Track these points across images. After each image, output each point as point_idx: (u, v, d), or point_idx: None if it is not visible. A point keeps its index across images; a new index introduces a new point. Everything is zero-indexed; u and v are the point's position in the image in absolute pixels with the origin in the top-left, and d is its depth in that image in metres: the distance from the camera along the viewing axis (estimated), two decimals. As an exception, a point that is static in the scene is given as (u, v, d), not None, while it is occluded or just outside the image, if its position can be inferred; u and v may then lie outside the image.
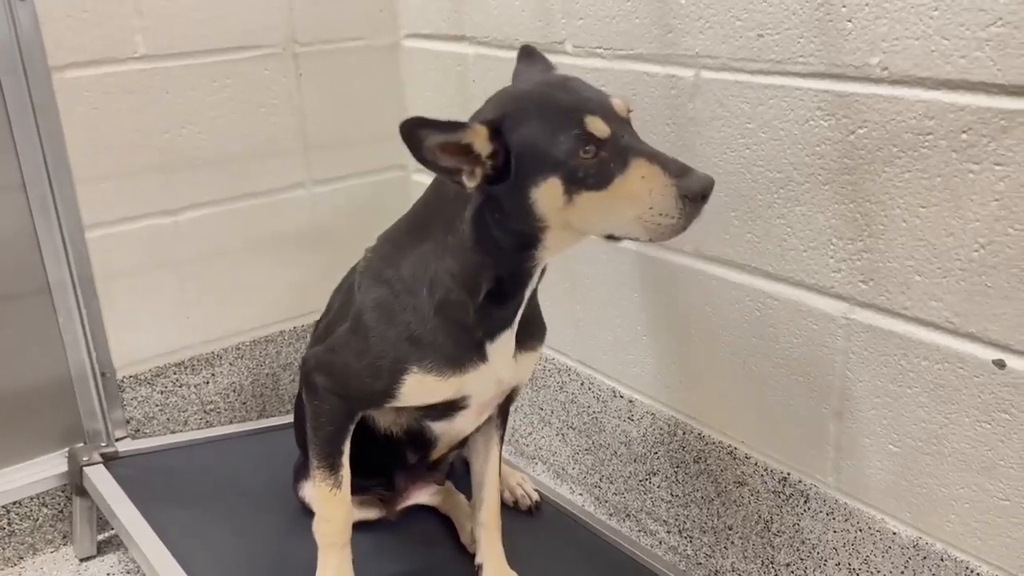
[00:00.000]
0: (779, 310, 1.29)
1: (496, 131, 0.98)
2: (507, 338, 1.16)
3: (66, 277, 1.63)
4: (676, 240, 1.40)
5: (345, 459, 1.23)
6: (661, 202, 0.95)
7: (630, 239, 1.00)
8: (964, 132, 1.02)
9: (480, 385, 1.18)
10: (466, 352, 1.14)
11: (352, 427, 1.22)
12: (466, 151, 0.98)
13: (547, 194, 0.98)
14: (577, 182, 0.97)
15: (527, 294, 1.15)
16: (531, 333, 1.22)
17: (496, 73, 1.67)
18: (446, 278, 1.10)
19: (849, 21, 1.10)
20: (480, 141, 0.98)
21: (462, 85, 1.77)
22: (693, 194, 0.94)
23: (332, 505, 1.24)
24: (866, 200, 1.14)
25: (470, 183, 1.00)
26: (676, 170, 0.95)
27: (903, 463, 1.19)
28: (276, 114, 1.80)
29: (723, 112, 1.27)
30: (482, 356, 1.15)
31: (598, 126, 0.96)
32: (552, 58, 1.51)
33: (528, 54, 1.21)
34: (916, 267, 1.10)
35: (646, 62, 1.37)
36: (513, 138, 0.99)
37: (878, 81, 1.08)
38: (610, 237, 1.01)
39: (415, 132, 0.95)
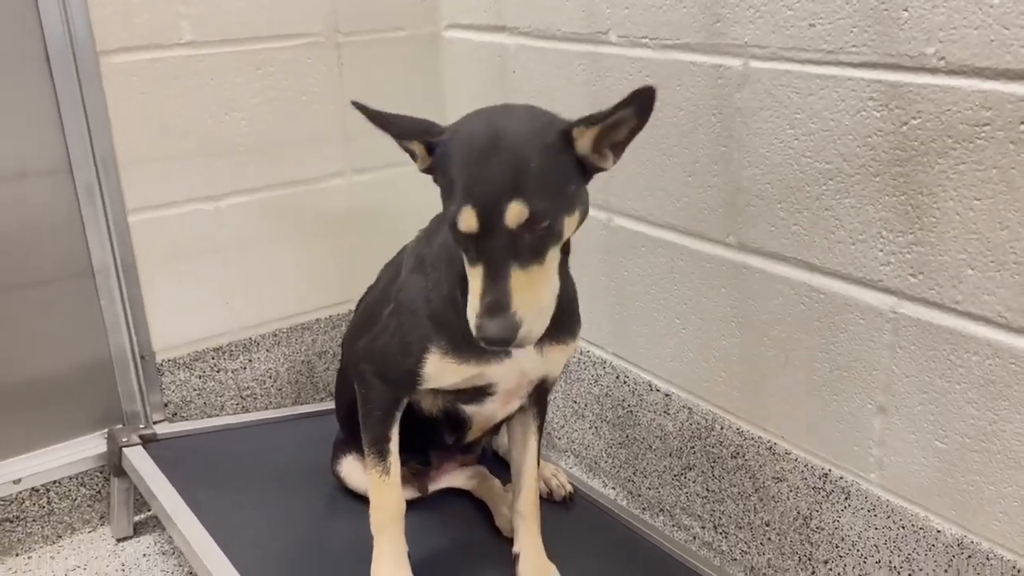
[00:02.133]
0: (825, 304, 1.27)
1: (431, 151, 1.03)
2: None
3: (109, 261, 1.65)
4: (718, 232, 1.41)
5: (394, 446, 1.25)
6: (470, 319, 0.98)
7: None
8: (1023, 123, 1.00)
9: (503, 374, 1.20)
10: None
11: (398, 414, 1.24)
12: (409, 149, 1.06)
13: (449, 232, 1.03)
14: (455, 240, 1.01)
15: None
16: (561, 327, 1.20)
17: (537, 64, 1.67)
18: (456, 265, 1.11)
19: (905, 10, 1.08)
20: (420, 151, 1.05)
21: (502, 76, 1.77)
22: (481, 339, 0.96)
23: (382, 492, 1.26)
24: (918, 192, 1.12)
25: (419, 165, 1.07)
26: (486, 307, 0.96)
27: (950, 460, 1.17)
28: (317, 103, 1.81)
29: (772, 102, 1.26)
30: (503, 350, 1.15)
31: (467, 221, 0.96)
32: (596, 48, 1.52)
33: None
34: (969, 260, 1.09)
35: (693, 52, 1.36)
36: (437, 168, 1.04)
37: (934, 71, 1.07)
38: None
39: (367, 115, 1.05)
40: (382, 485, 1.25)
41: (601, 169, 1.03)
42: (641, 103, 0.95)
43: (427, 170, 1.07)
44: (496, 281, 0.96)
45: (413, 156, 1.07)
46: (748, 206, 1.34)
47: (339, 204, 1.89)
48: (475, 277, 0.98)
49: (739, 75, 1.30)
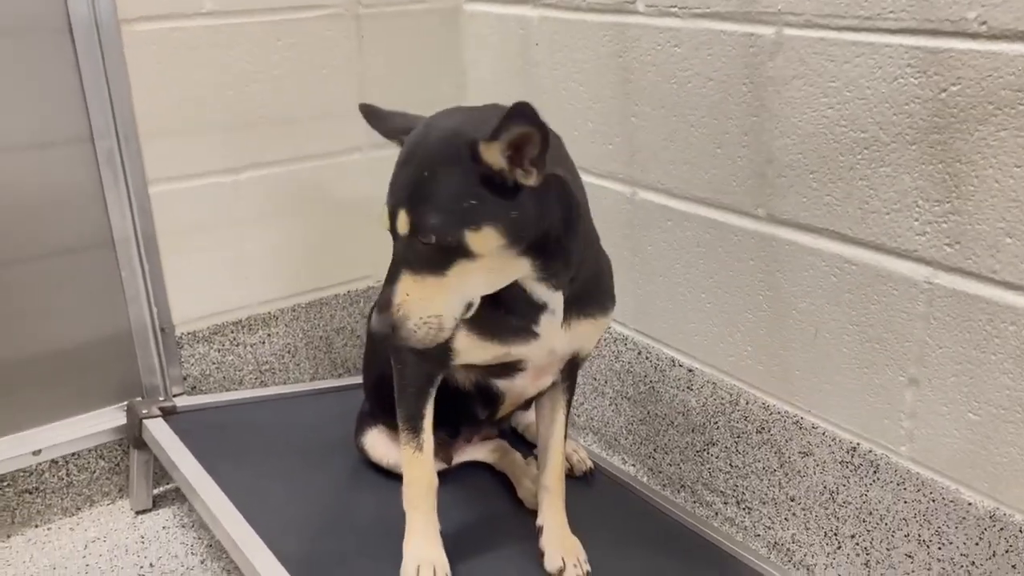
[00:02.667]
0: (857, 275, 1.26)
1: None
2: (550, 318, 1.16)
3: (130, 232, 1.64)
4: (747, 205, 1.39)
5: (427, 423, 1.25)
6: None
7: None
8: (1067, 88, 0.99)
9: (531, 352, 1.20)
10: (518, 318, 1.15)
11: (433, 391, 1.24)
12: None
13: None
14: None
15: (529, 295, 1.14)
16: (592, 301, 1.21)
17: (561, 36, 1.65)
18: None
19: (946, -26, 1.07)
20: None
21: (524, 49, 1.75)
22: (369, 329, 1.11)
23: (415, 467, 1.26)
24: (956, 160, 1.11)
25: None
26: (378, 303, 1.05)
27: (983, 432, 1.16)
28: (337, 75, 1.79)
29: (805, 71, 1.25)
30: (530, 330, 1.16)
31: (384, 218, 1.04)
32: (623, 19, 1.51)
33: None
34: (1008, 229, 1.08)
35: (723, 20, 1.35)
36: None
37: (975, 36, 1.06)
38: None
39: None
40: (415, 461, 1.25)
41: (521, 184, 1.01)
42: (524, 116, 0.94)
43: None
44: (389, 280, 1.03)
45: None
46: (779, 177, 1.33)
47: (358, 179, 1.88)
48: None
49: (772, 43, 1.29)
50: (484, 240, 1.00)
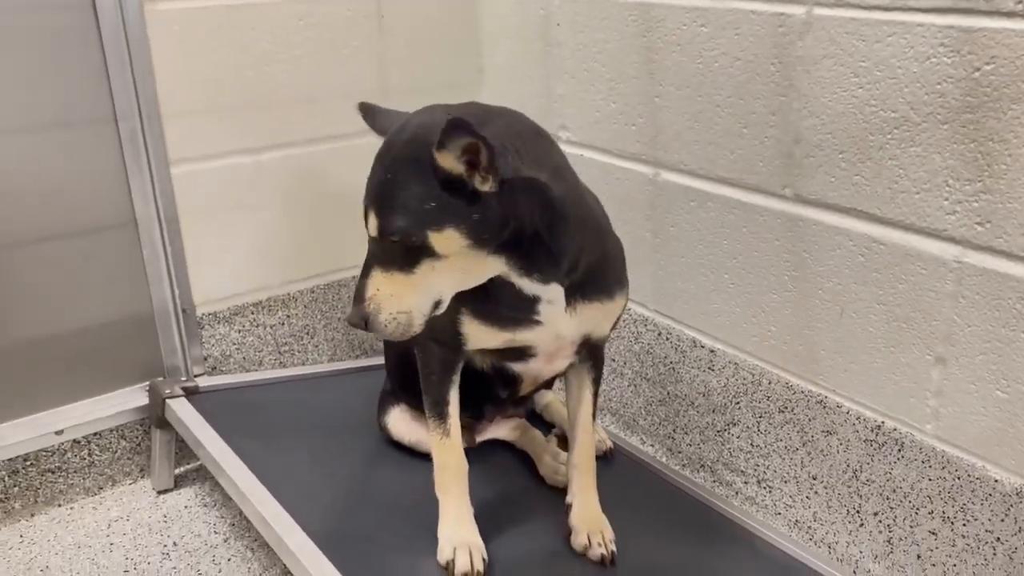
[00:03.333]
0: (885, 255, 1.27)
1: None
2: (549, 307, 1.17)
3: (152, 212, 1.64)
4: (774, 185, 1.40)
5: (453, 409, 1.26)
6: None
7: None
8: (1104, 66, 0.99)
9: (537, 338, 1.21)
10: (512, 310, 1.17)
11: (456, 376, 1.26)
12: None
13: None
14: None
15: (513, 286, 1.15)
16: (597, 287, 1.21)
17: (583, 17, 1.65)
18: None
19: (982, -47, 1.07)
20: None
21: (545, 30, 1.75)
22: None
23: (444, 452, 1.27)
24: (988, 139, 1.11)
25: None
26: (355, 294, 1.08)
27: (1011, 409, 1.17)
28: (357, 56, 1.79)
29: (835, 50, 1.25)
30: (532, 319, 1.17)
31: (362, 219, 1.07)
32: (647, -1, 1.50)
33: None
34: (1040, 208, 1.08)
35: (752, 0, 1.35)
36: None
37: (1011, 15, 1.06)
38: None
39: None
40: (443, 446, 1.27)
41: (478, 189, 1.02)
42: (460, 129, 0.96)
43: None
44: (362, 275, 1.07)
45: None
46: (807, 157, 1.33)
47: (377, 160, 1.88)
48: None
49: (802, 23, 1.29)
50: (447, 241, 1.03)
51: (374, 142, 1.81)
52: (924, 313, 1.24)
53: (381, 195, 1.04)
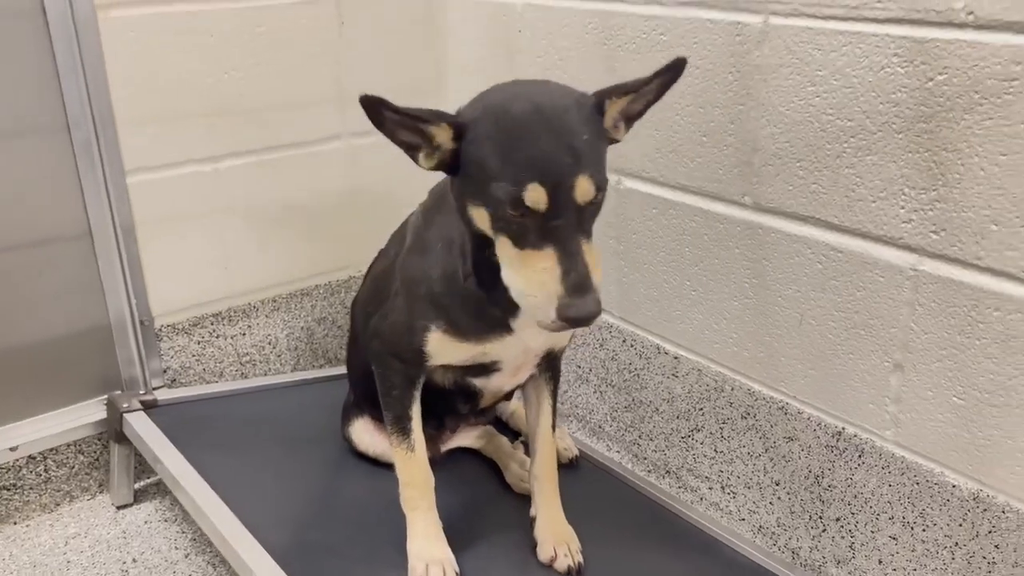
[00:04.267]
0: (842, 262, 1.28)
1: (459, 134, 0.98)
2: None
3: (108, 222, 1.61)
4: (733, 193, 1.40)
5: (416, 423, 1.25)
6: (543, 301, 0.94)
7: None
8: (1053, 77, 1.01)
9: (506, 352, 1.20)
10: (485, 322, 1.15)
11: (417, 392, 1.24)
12: (423, 135, 0.99)
13: (476, 217, 1.00)
14: (502, 226, 0.97)
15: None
16: None
17: (545, 24, 1.64)
18: (456, 248, 1.12)
19: (933, -36, 1.08)
20: (443, 137, 0.98)
21: (508, 36, 1.74)
22: (568, 319, 0.94)
23: (409, 467, 1.25)
24: (942, 149, 1.12)
25: (425, 163, 1.01)
26: (572, 287, 0.93)
27: (967, 415, 1.19)
28: (316, 63, 1.77)
29: (792, 59, 1.26)
30: (505, 327, 1.16)
31: (537, 197, 0.93)
32: (608, 6, 1.51)
33: None
34: (993, 216, 1.09)
35: (710, 8, 1.35)
36: (467, 151, 0.98)
37: (962, 26, 1.07)
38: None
39: (376, 109, 0.95)
40: (408, 461, 1.25)
41: (615, 141, 1.04)
42: (672, 75, 0.97)
43: (443, 161, 1.00)
44: (573, 259, 0.93)
45: (416, 149, 1.00)
46: (765, 165, 1.34)
47: (338, 168, 1.86)
48: (540, 259, 0.94)
49: (759, 32, 1.29)
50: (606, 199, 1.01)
51: (338, 148, 1.77)
52: (882, 320, 1.25)
53: (583, 156, 0.93)
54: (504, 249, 0.98)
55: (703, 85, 1.39)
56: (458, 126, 0.98)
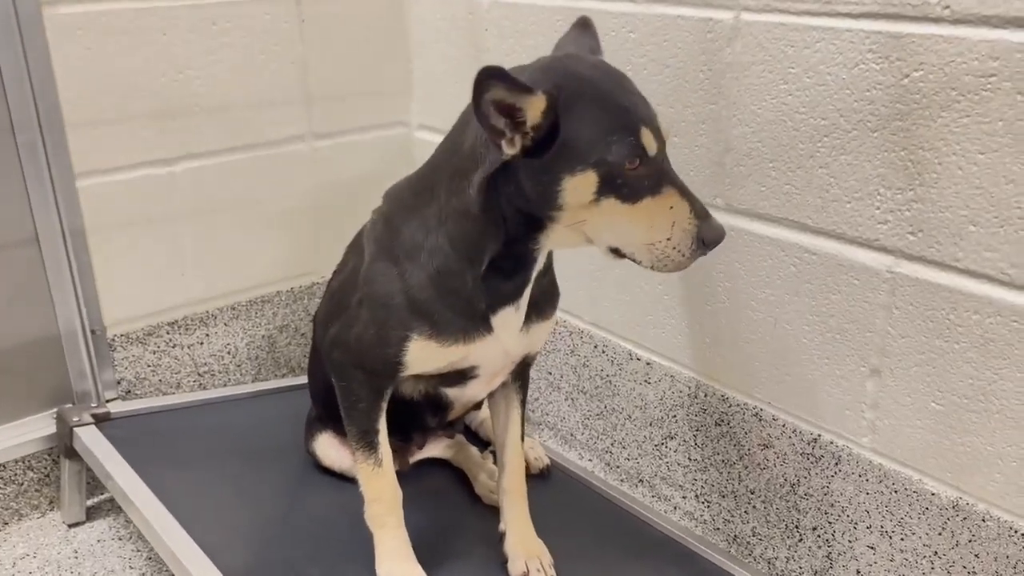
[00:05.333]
0: (817, 265, 1.24)
1: (553, 104, 0.94)
2: (512, 313, 1.12)
3: (56, 228, 1.54)
4: (705, 194, 1.36)
5: (383, 437, 1.19)
6: (679, 236, 0.97)
7: (632, 260, 1.00)
8: (1031, 73, 0.98)
9: (486, 355, 1.15)
10: (468, 322, 1.10)
11: (384, 404, 1.19)
12: (514, 114, 0.93)
13: (578, 187, 0.96)
14: (611, 186, 0.95)
15: (532, 276, 1.11)
16: (543, 303, 1.18)
17: (513, 22, 1.60)
18: (444, 245, 1.07)
19: (908, -43, 1.05)
20: (534, 111, 0.93)
21: (474, 35, 1.70)
22: (708, 240, 0.97)
23: (376, 483, 1.20)
24: (919, 147, 1.09)
25: (509, 150, 0.96)
26: (700, 211, 0.97)
27: (946, 421, 1.16)
28: (277, 62, 1.71)
29: (764, 56, 1.22)
30: (487, 327, 1.11)
31: (650, 141, 0.96)
32: (577, 3, 1.47)
33: (584, 26, 1.15)
34: (971, 217, 1.06)
35: (680, 5, 1.31)
36: (566, 120, 0.94)
37: (938, 20, 1.04)
38: (614, 251, 1.01)
39: (485, 81, 0.90)
40: (375, 477, 1.19)
41: None
42: None
43: (531, 141, 0.95)
44: (686, 189, 0.98)
45: (501, 136, 0.95)
46: (737, 166, 1.30)
47: (300, 170, 1.80)
48: (664, 201, 0.96)
49: (730, 28, 1.26)
50: None
51: (299, 150, 1.71)
52: (858, 324, 1.22)
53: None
54: (612, 212, 0.97)
55: (673, 84, 1.35)
56: (552, 96, 0.94)
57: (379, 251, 1.14)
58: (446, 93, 1.81)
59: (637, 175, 0.95)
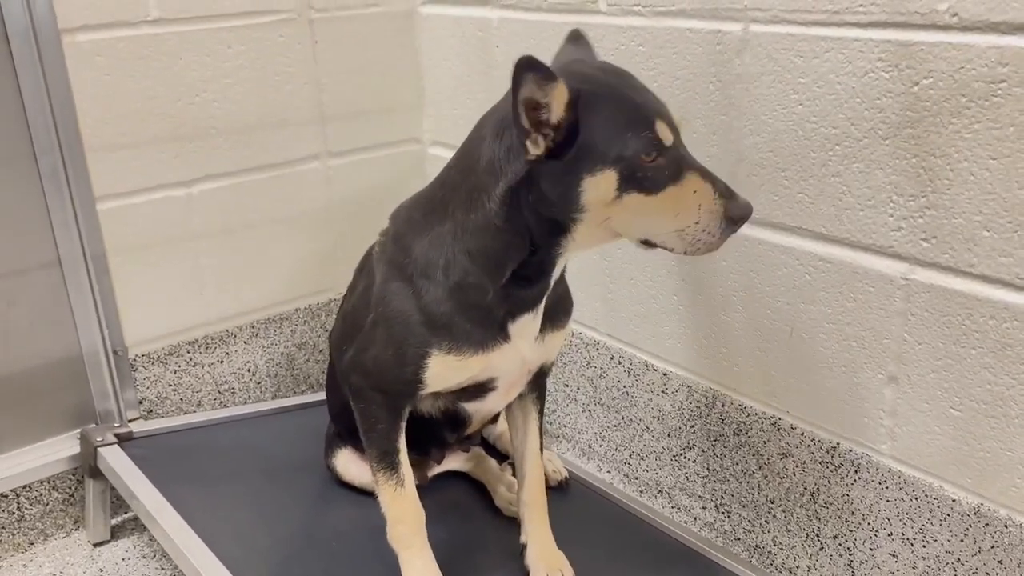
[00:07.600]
0: (832, 273, 1.25)
1: (574, 101, 0.96)
2: (530, 320, 1.13)
3: (77, 251, 1.57)
4: (719, 204, 1.37)
5: (403, 456, 1.20)
6: (707, 219, 0.98)
7: (664, 248, 1.01)
8: (1041, 78, 0.98)
9: (505, 365, 1.16)
10: (487, 332, 1.11)
11: (403, 423, 1.19)
12: (539, 110, 0.95)
13: (599, 186, 0.97)
14: (632, 181, 0.97)
15: (552, 281, 1.12)
16: (558, 312, 1.19)
17: (523, 38, 1.61)
18: (463, 259, 1.07)
19: (915, -34, 1.05)
20: (558, 104, 0.95)
21: (485, 52, 1.71)
22: (736, 217, 0.99)
23: (399, 504, 1.20)
24: (930, 154, 1.09)
25: (534, 150, 0.98)
26: (724, 191, 0.98)
27: (965, 427, 1.15)
28: (291, 83, 1.74)
29: (774, 67, 1.23)
30: (505, 336, 1.12)
31: (665, 132, 0.97)
32: (585, 19, 1.48)
33: (576, 39, 1.17)
34: (984, 222, 1.07)
35: (689, 18, 1.32)
36: (585, 118, 0.96)
37: (947, 28, 1.04)
38: (644, 243, 1.03)
39: (524, 72, 0.92)
40: (398, 498, 1.20)
41: None
42: None
43: (554, 141, 0.97)
44: (707, 172, 0.99)
45: (527, 135, 0.96)
46: (750, 176, 1.31)
47: (316, 188, 1.82)
48: (687, 186, 0.98)
49: (739, 40, 1.26)
50: None
51: (315, 168, 1.73)
52: (874, 332, 1.22)
53: None
54: (636, 205, 0.98)
55: (684, 96, 1.36)
56: (574, 90, 0.96)
57: (391, 271, 1.15)
58: (458, 109, 1.83)
59: (656, 166, 0.97)
